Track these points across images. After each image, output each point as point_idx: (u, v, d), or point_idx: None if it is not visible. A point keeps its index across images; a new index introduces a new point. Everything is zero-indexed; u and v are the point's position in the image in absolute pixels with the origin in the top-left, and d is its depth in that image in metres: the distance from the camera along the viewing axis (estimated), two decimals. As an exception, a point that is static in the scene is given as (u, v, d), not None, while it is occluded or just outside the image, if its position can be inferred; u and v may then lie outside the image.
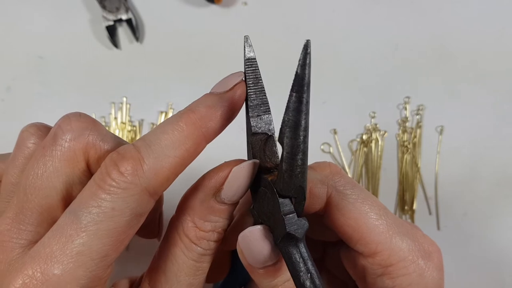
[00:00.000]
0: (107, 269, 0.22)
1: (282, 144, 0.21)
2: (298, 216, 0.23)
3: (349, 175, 0.51)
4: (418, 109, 0.52)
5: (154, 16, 0.56)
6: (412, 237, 0.26)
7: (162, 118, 0.52)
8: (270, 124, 0.25)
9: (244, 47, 0.24)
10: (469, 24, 0.55)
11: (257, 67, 0.25)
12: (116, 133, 0.52)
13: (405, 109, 0.52)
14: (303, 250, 0.23)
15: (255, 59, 0.25)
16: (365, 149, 0.51)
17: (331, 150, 0.52)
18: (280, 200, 0.23)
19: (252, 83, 0.25)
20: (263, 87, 0.25)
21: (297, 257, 0.23)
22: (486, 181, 0.50)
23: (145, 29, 0.55)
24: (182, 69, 0.54)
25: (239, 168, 0.24)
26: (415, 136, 0.51)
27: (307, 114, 0.20)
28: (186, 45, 0.55)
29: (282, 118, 0.21)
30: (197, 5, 0.56)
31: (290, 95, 0.19)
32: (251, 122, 0.25)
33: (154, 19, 0.56)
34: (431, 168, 0.51)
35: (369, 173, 0.51)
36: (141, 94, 0.53)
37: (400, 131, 0.52)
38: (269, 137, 0.25)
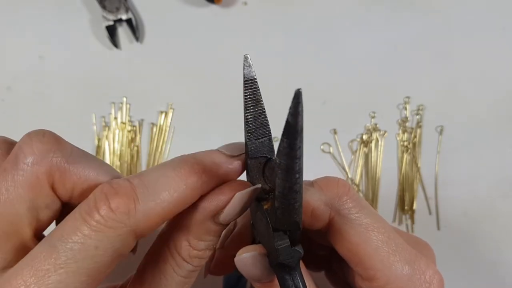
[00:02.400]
0: None
1: (273, 183, 0.21)
2: (292, 245, 0.23)
3: (349, 175, 0.51)
4: (418, 109, 0.52)
5: (154, 16, 0.56)
6: (414, 265, 0.26)
7: (162, 118, 0.52)
8: (270, 147, 0.24)
9: (244, 67, 0.23)
10: (469, 24, 0.55)
11: (258, 87, 0.23)
12: (116, 133, 0.52)
13: (405, 109, 0.52)
14: (296, 278, 0.23)
15: (255, 79, 0.23)
16: (365, 149, 0.51)
17: (331, 150, 0.52)
18: (274, 233, 0.23)
19: (251, 105, 0.23)
20: (264, 109, 0.24)
21: (290, 284, 0.23)
22: (486, 181, 0.50)
23: (145, 29, 0.55)
24: (182, 69, 0.54)
25: (241, 194, 0.23)
26: (415, 136, 0.51)
27: (300, 158, 0.19)
28: (186, 45, 0.55)
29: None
30: (197, 5, 0.56)
31: (282, 140, 0.18)
32: (249, 147, 0.24)
33: (154, 19, 0.56)
34: (431, 168, 0.51)
35: (369, 173, 0.51)
36: (141, 94, 0.53)
37: (400, 131, 0.52)
38: (268, 159, 0.24)
